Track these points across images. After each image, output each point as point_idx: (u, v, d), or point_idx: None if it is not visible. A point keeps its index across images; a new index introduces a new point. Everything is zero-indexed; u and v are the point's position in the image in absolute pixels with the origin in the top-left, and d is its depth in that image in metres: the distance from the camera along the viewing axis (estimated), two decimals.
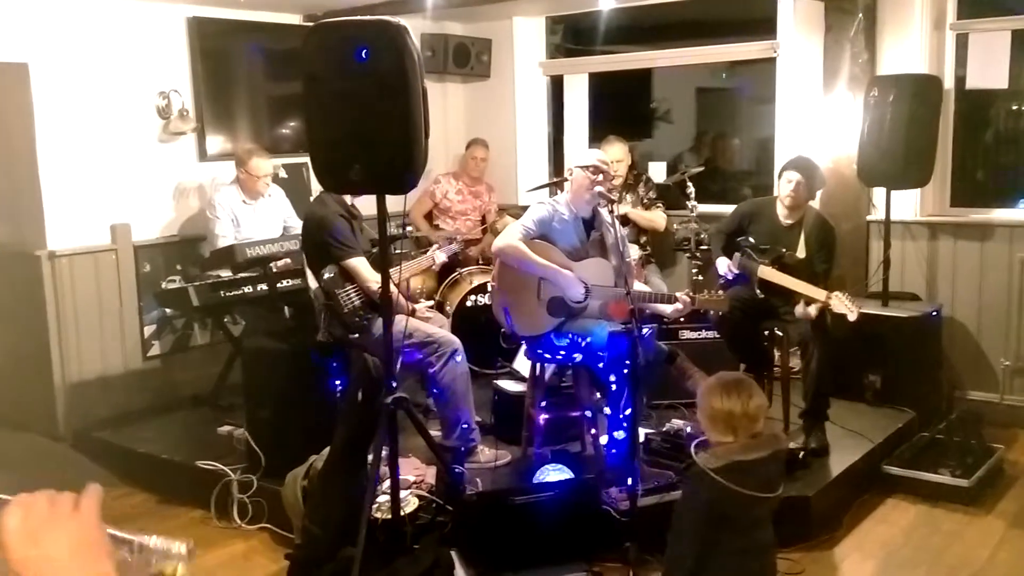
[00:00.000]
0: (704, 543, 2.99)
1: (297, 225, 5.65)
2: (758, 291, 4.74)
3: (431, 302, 5.01)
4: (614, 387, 4.09)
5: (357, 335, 4.27)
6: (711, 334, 5.18)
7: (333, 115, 3.19)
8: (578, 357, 4.27)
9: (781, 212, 4.86)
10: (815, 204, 5.44)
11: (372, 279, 4.21)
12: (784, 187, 4.80)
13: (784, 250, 4.74)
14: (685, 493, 3.23)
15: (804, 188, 4.78)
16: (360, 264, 4.32)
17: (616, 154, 5.93)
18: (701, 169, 6.25)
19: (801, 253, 4.77)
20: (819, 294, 4.48)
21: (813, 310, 4.47)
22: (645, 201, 6.05)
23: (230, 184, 5.58)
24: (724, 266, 4.91)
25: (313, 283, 4.50)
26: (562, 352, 4.27)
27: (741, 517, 3.00)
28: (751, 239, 4.86)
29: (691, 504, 3.06)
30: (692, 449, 3.05)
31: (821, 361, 4.52)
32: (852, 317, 4.42)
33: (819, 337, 4.53)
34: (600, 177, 4.24)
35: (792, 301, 4.60)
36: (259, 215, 5.58)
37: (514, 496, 3.66)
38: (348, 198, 4.46)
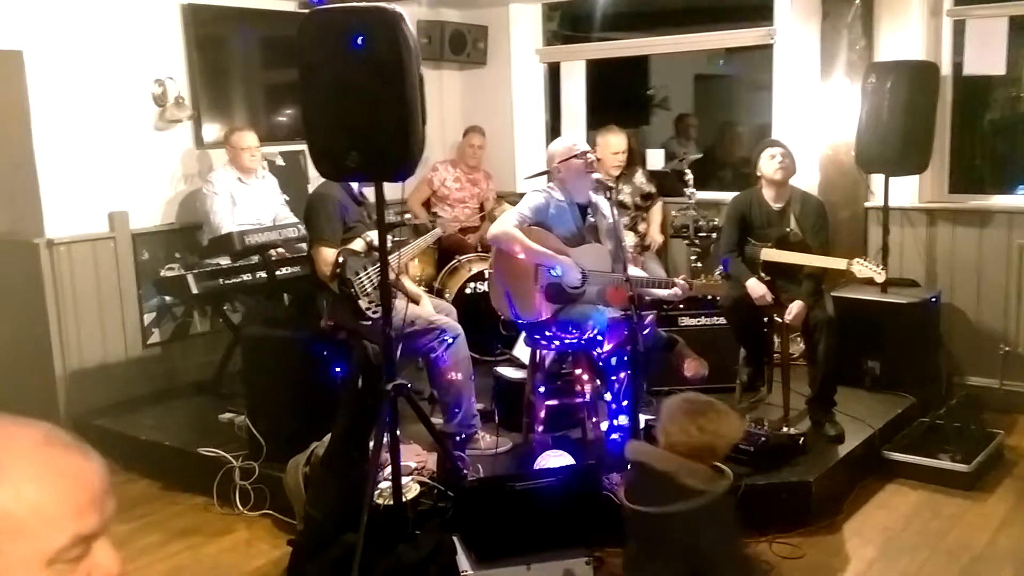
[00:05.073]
0: None
1: (287, 217, 5.67)
2: (763, 274, 4.74)
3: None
4: (614, 373, 4.09)
5: (364, 322, 4.26)
6: (711, 321, 5.18)
7: (330, 102, 3.17)
8: (578, 343, 4.27)
9: (769, 195, 4.84)
10: (812, 189, 5.47)
11: (326, 263, 4.26)
12: (769, 164, 4.77)
13: (788, 229, 4.76)
14: (717, 528, 2.79)
15: (789, 159, 4.78)
16: (323, 251, 4.32)
17: (618, 145, 5.94)
18: (699, 156, 6.26)
19: (797, 232, 4.80)
20: (839, 263, 4.56)
21: (796, 309, 4.56)
22: (646, 192, 6.04)
23: (224, 166, 5.62)
24: (761, 289, 4.71)
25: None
26: (562, 338, 4.28)
27: None
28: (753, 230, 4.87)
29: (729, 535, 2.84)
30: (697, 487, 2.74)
31: (831, 347, 4.54)
32: (880, 279, 4.52)
33: (829, 323, 4.55)
34: (592, 160, 4.29)
35: (797, 278, 4.65)
36: (255, 194, 5.61)
37: (515, 482, 3.65)
38: (355, 184, 4.46)
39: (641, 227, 6.11)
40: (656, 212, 6.21)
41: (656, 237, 6.13)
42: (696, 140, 8.12)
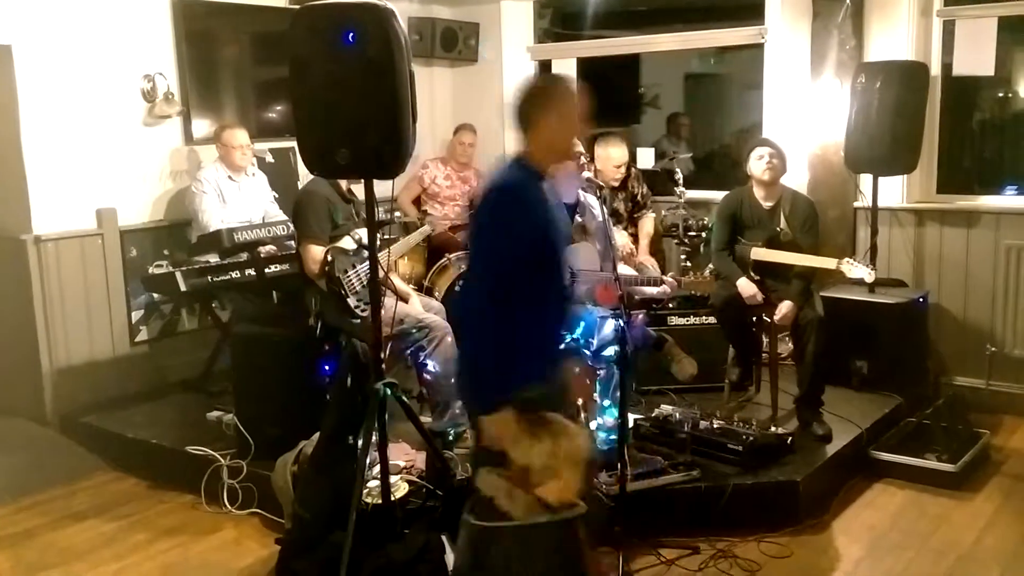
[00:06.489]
0: None
1: (277, 215, 5.66)
2: (752, 274, 4.76)
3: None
4: (603, 372, 4.09)
5: (353, 320, 4.26)
6: (700, 320, 5.19)
7: (320, 99, 3.17)
8: (566, 342, 4.26)
9: (760, 195, 4.87)
10: (802, 189, 5.48)
11: (314, 261, 4.27)
12: (757, 164, 4.80)
13: (779, 228, 4.77)
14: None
15: (778, 159, 4.80)
16: (312, 248, 4.32)
17: (620, 157, 5.59)
18: (689, 156, 6.27)
19: (787, 231, 4.81)
20: (829, 263, 4.57)
21: (786, 309, 4.58)
22: (639, 199, 5.97)
23: (213, 163, 5.60)
24: (751, 288, 4.73)
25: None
26: None
27: None
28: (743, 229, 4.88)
29: None
30: None
31: (819, 345, 4.55)
32: (870, 279, 4.54)
33: (818, 322, 4.56)
34: (584, 162, 4.27)
35: (787, 277, 4.66)
36: (244, 192, 5.59)
37: None
38: (344, 182, 4.45)
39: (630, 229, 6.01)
40: (647, 223, 5.86)
41: (645, 255, 5.69)
42: (687, 140, 8.13)
